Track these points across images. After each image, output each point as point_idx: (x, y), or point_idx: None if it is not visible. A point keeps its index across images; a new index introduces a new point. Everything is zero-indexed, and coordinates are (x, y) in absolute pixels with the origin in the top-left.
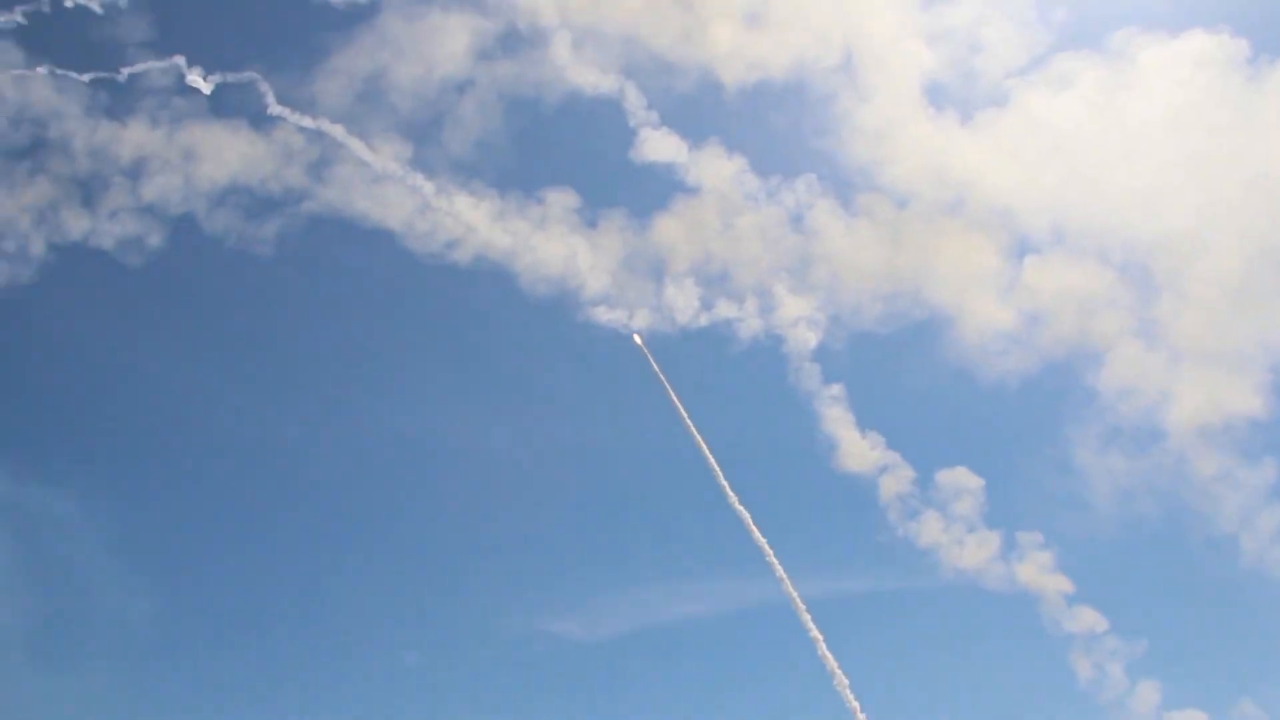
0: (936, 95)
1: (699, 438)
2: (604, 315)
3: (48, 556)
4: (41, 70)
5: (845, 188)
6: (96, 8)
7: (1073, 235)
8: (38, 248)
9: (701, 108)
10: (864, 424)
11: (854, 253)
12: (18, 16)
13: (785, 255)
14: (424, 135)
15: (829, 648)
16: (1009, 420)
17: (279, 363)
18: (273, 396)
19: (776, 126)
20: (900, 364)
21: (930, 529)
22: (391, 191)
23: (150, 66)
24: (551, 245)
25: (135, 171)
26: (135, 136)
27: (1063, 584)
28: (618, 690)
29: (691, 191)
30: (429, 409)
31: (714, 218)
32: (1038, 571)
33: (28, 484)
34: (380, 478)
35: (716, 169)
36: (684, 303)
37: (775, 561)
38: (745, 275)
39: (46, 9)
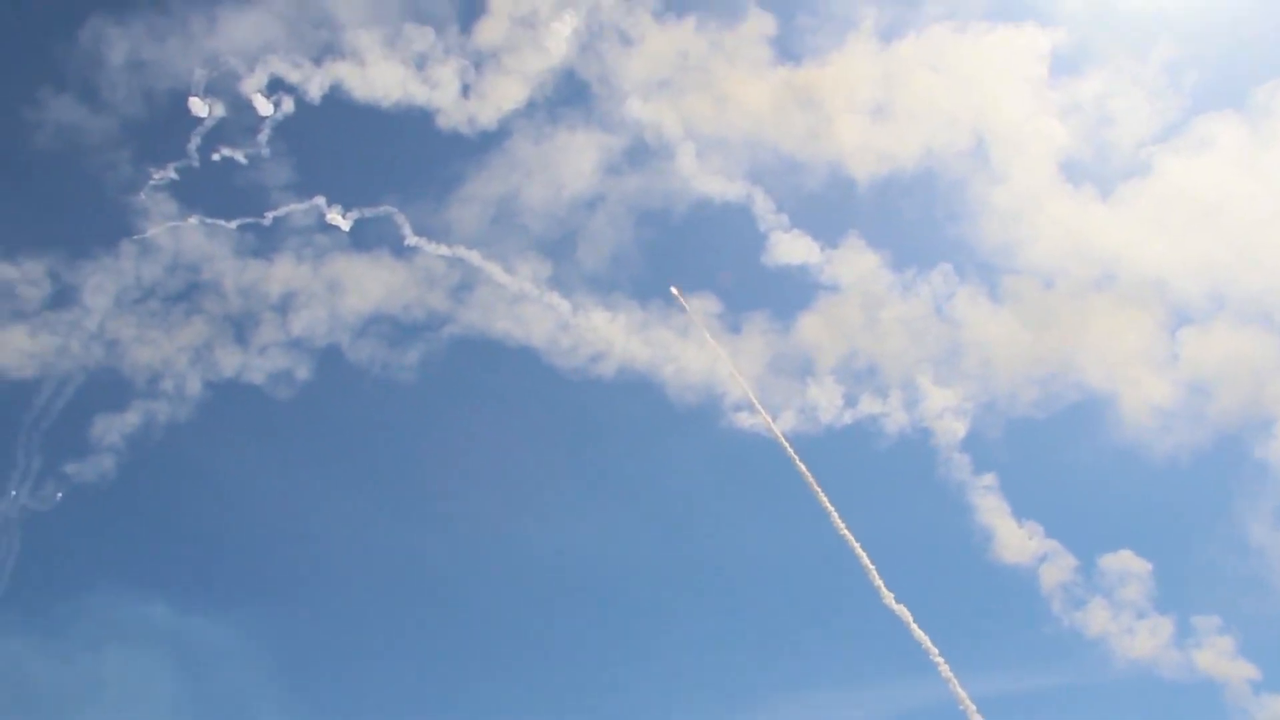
0: (1073, 170)
1: (850, 537)
2: (746, 420)
3: (211, 685)
4: (193, 220)
5: (985, 272)
6: (241, 158)
7: (1231, 302)
8: (194, 386)
9: (832, 204)
10: (1020, 513)
11: (1000, 338)
12: (170, 172)
13: (928, 346)
14: (559, 252)
15: None
16: (1175, 498)
17: (428, 486)
18: (424, 520)
19: (910, 216)
20: (1055, 448)
21: (1098, 618)
22: (530, 310)
23: (292, 209)
24: (691, 353)
25: (282, 308)
26: (281, 274)
27: (1248, 670)
28: None
29: (829, 289)
30: (579, 524)
31: (853, 314)
32: (1219, 658)
33: (190, 615)
34: (534, 595)
35: (852, 265)
36: (827, 401)
37: (940, 660)
38: (888, 369)
39: (196, 164)
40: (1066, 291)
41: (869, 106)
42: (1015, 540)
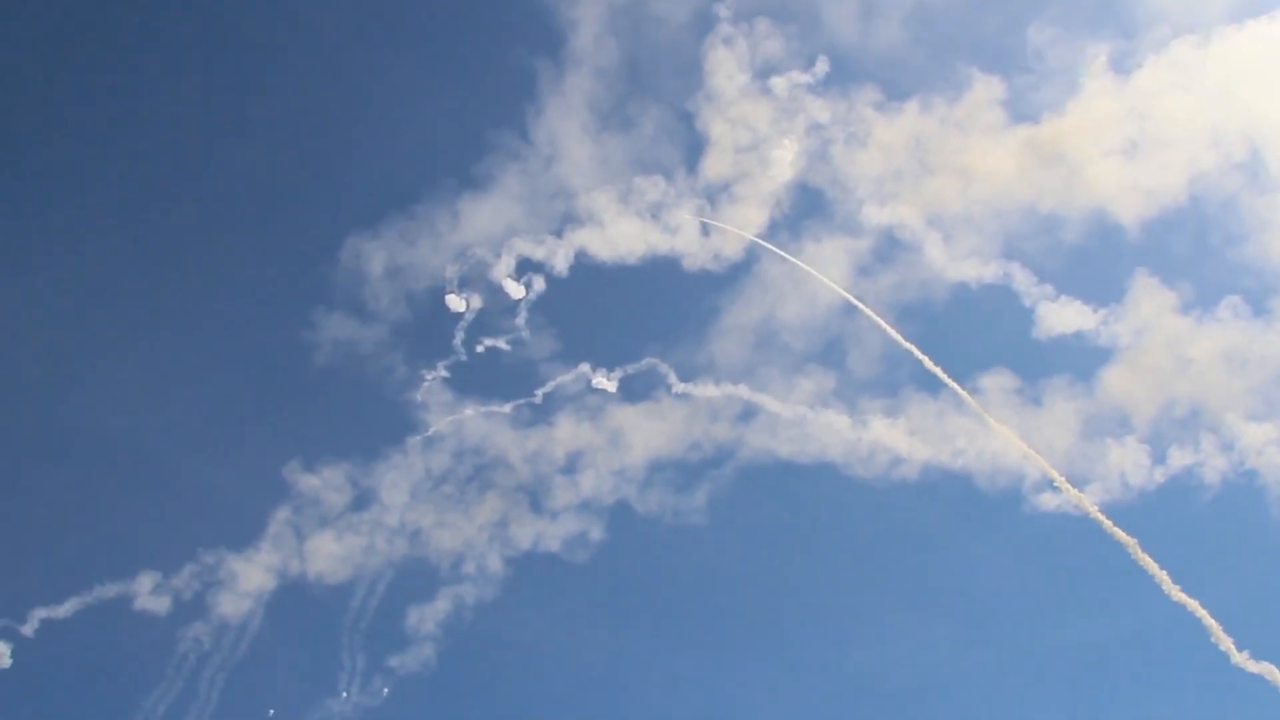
0: None
1: (1187, 599)
2: (1050, 501)
3: None
4: (469, 411)
5: (1274, 291)
6: (504, 345)
7: None
8: (495, 564)
9: (1102, 257)
10: None
11: None
12: (441, 371)
13: (1233, 382)
14: (825, 362)
15: None
16: None
17: (738, 624)
18: (737, 667)
19: (1189, 250)
20: None
21: None
22: (809, 430)
23: (559, 381)
24: (982, 439)
25: (566, 475)
26: (560, 444)
27: None
28: None
29: (1106, 351)
30: (903, 639)
31: (1146, 367)
32: None
33: None
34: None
35: (1135, 315)
36: (1134, 464)
37: None
38: (1194, 415)
39: (464, 358)
40: None
41: (1121, 147)
42: None
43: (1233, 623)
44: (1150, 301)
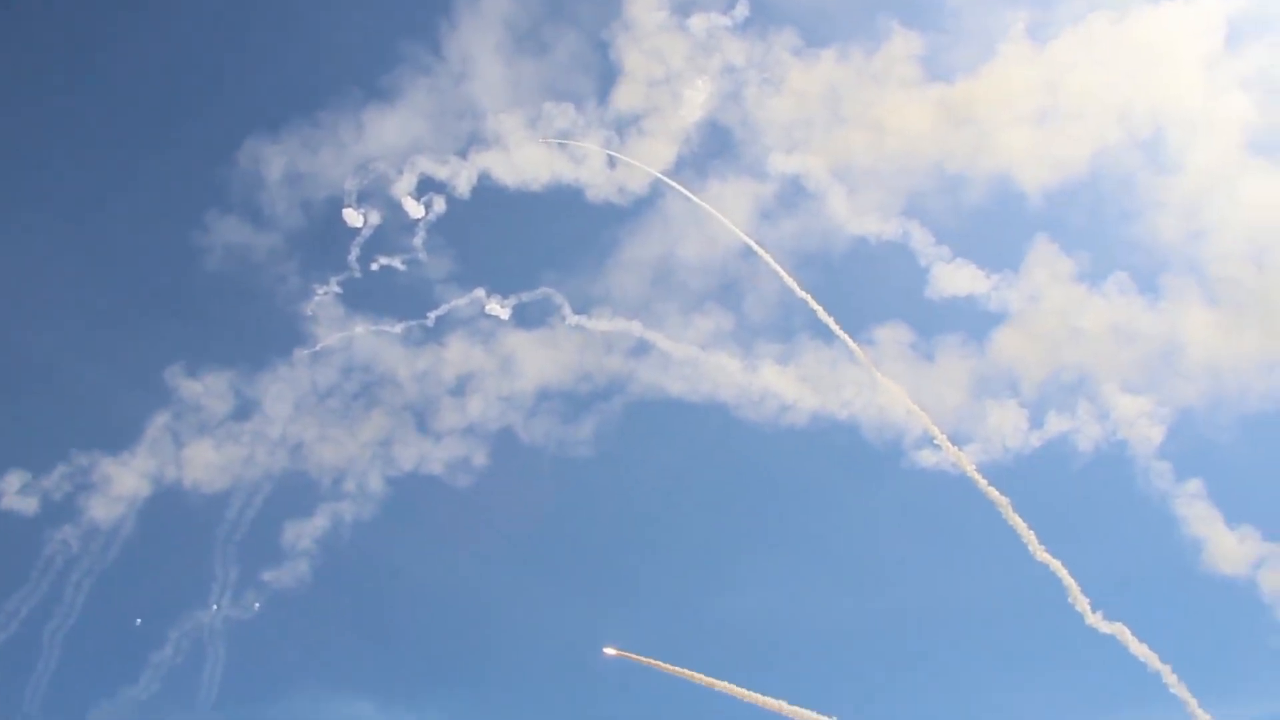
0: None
1: (1059, 567)
2: (930, 458)
3: None
4: (359, 329)
5: (1173, 266)
6: (399, 265)
7: None
8: (376, 484)
9: (1001, 222)
10: (1233, 518)
11: (1194, 334)
12: (334, 286)
13: (1112, 356)
14: (721, 304)
15: None
16: None
17: (617, 558)
18: (617, 593)
19: (1087, 221)
20: (1267, 444)
21: None
22: (700, 371)
23: (453, 305)
24: (870, 392)
25: (451, 400)
26: (450, 367)
27: None
28: None
29: (996, 316)
30: (775, 584)
31: (1031, 334)
32: None
33: (395, 710)
34: (734, 661)
35: (1027, 283)
36: (1013, 426)
37: (1167, 669)
38: (1075, 384)
39: (357, 274)
40: (1271, 276)
41: (1031, 114)
42: (1228, 548)
43: (1091, 586)
44: (1046, 269)
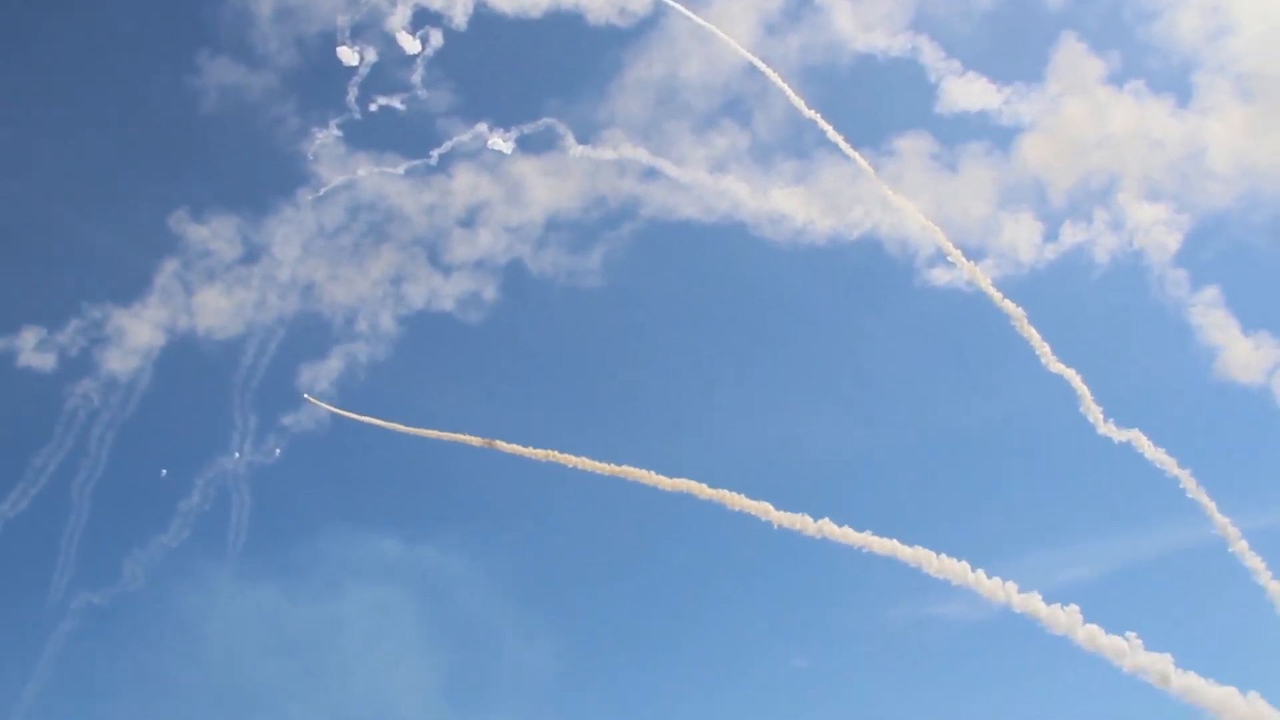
0: None
1: (1072, 376)
2: (943, 276)
3: (449, 611)
4: (361, 172)
5: (1180, 75)
6: (398, 105)
7: None
8: (388, 324)
9: (1003, 36)
10: (1248, 325)
11: (1217, 141)
12: (334, 130)
13: (1135, 160)
14: (726, 126)
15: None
16: None
17: (623, 390)
18: (626, 425)
19: (1104, 25)
20: None
21: None
22: (709, 193)
23: (455, 142)
24: (880, 211)
25: (460, 237)
26: (456, 201)
27: None
28: (1012, 668)
29: (1009, 130)
30: (790, 405)
31: (1042, 145)
32: None
33: (419, 545)
34: (754, 485)
35: (1048, 89)
36: (1026, 240)
37: (1186, 475)
38: (1090, 194)
39: (357, 115)
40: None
41: None
42: (1244, 355)
43: (1106, 396)
44: (1072, 70)
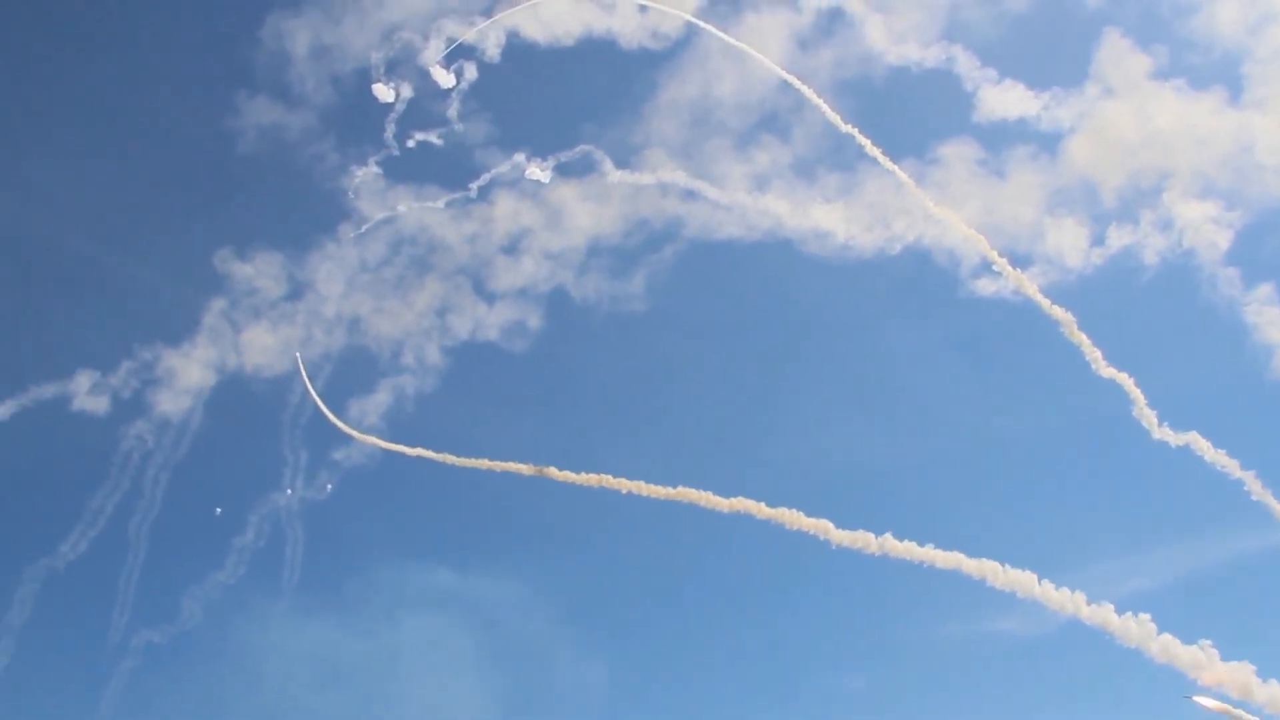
0: None
1: (1125, 380)
2: (988, 286)
3: (503, 639)
4: (401, 208)
5: (1226, 69)
6: (435, 140)
7: None
8: (434, 355)
9: (1038, 40)
10: None
11: (1258, 137)
12: (373, 167)
13: (1183, 158)
14: (764, 143)
15: None
16: None
17: (672, 410)
18: (678, 447)
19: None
20: None
21: None
22: (749, 213)
23: (494, 174)
24: (922, 223)
25: (502, 265)
26: (498, 230)
27: None
28: (1076, 684)
29: (1048, 135)
30: (839, 420)
31: (1087, 146)
32: None
33: (471, 575)
34: (808, 501)
35: (1072, 101)
36: (1071, 245)
37: (1264, 492)
38: (1137, 195)
39: (396, 152)
40: None
41: None
42: None
43: (1160, 400)
44: (1117, 66)
